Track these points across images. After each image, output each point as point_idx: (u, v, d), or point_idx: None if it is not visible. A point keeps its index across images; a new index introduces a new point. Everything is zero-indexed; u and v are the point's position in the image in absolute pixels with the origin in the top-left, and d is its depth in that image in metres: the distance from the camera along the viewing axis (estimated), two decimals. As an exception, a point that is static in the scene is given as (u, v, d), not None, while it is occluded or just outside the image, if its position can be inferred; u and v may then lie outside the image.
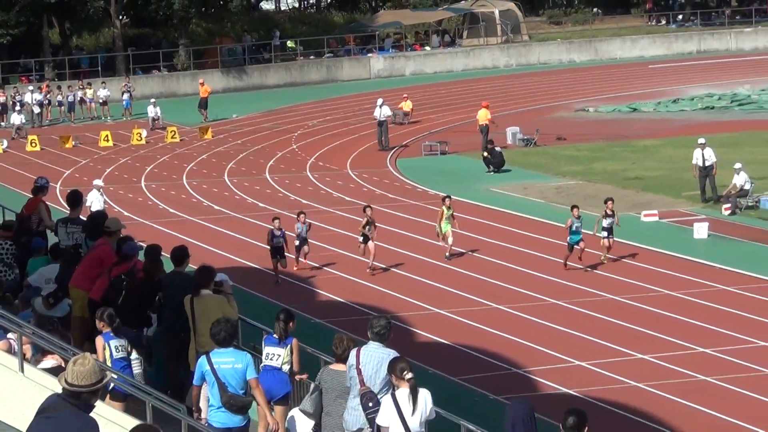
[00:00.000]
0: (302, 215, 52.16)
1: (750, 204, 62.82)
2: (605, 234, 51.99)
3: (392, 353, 22.69)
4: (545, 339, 43.44)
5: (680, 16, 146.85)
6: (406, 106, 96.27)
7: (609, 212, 51.88)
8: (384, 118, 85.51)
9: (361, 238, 51.16)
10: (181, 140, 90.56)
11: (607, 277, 51.30)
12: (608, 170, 74.36)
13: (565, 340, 43.67)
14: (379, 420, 21.24)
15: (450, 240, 53.01)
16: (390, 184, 73.82)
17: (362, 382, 22.22)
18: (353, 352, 22.68)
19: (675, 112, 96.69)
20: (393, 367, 21.31)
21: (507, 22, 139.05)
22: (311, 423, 23.13)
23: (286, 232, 51.12)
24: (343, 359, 22.95)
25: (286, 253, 50.71)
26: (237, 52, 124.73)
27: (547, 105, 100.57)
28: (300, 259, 52.37)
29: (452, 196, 54.93)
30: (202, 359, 23.44)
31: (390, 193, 70.85)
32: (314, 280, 51.36)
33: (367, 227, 50.48)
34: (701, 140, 66.16)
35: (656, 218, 61.62)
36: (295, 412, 23.81)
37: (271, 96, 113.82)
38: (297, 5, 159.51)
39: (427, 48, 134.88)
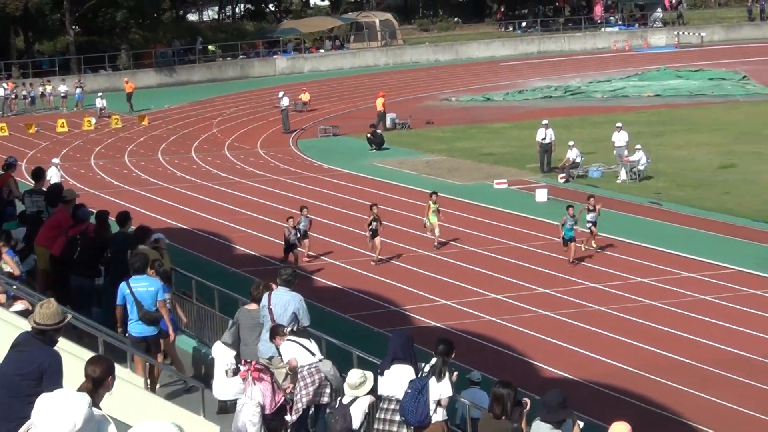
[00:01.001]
0: (305, 209, 47.11)
1: (580, 174, 63.29)
2: (589, 225, 47.15)
3: (296, 296, 22.79)
4: (418, 283, 43.59)
5: (524, 24, 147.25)
6: (305, 97, 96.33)
7: (591, 207, 47.22)
8: (285, 107, 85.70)
9: (369, 234, 46.20)
10: (123, 126, 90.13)
11: (464, 232, 51.37)
12: (467, 148, 74.52)
13: (433, 283, 43.83)
14: (284, 355, 21.52)
15: (437, 231, 48.38)
16: (292, 160, 73.77)
17: (273, 320, 22.29)
18: (265, 295, 22.74)
19: (520, 101, 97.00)
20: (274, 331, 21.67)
21: (385, 29, 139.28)
22: (232, 352, 23.13)
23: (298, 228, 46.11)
24: (257, 300, 22.98)
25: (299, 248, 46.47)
26: (168, 54, 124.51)
27: (418, 96, 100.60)
28: (301, 249, 46.95)
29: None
30: (123, 284, 23.85)
31: (292, 167, 70.81)
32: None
33: (374, 223, 45.69)
34: (545, 121, 66.53)
35: (506, 186, 61.86)
36: (217, 344, 23.79)
37: (196, 90, 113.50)
38: (216, 17, 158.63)
39: (322, 50, 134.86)
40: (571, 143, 64.17)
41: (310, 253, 47.63)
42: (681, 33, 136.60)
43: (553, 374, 33.86)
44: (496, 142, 75.81)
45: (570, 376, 33.74)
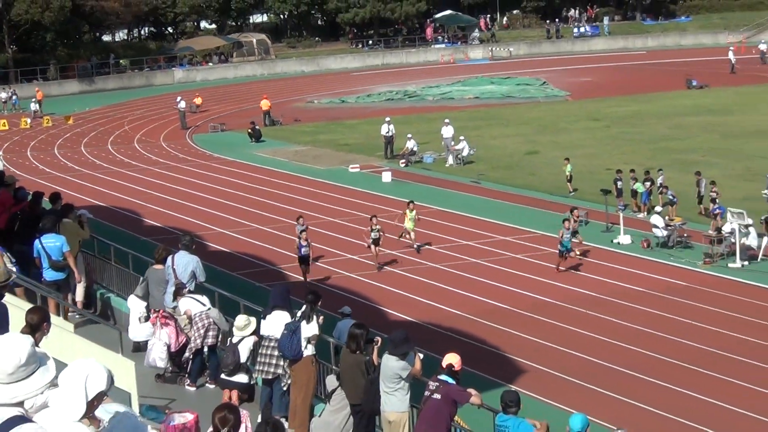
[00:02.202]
0: (300, 219, 41.18)
1: (417, 160, 63.58)
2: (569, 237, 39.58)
3: (194, 258, 22.69)
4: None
5: (371, 42, 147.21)
6: (198, 101, 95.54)
7: (575, 219, 41.53)
8: (182, 109, 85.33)
9: (371, 241, 40.05)
10: (53, 125, 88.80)
11: (326, 206, 51.49)
12: (328, 139, 74.51)
13: (339, 244, 43.89)
14: (181, 307, 21.47)
15: (413, 235, 42.59)
16: (188, 150, 73.27)
17: (176, 277, 22.17)
18: (170, 257, 22.61)
19: (368, 103, 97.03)
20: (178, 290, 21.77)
21: (261, 46, 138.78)
22: (143, 303, 22.99)
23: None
24: (161, 261, 22.83)
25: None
26: (87, 68, 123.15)
27: (288, 99, 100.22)
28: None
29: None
30: (36, 241, 24.45)
31: (188, 156, 70.39)
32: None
33: (377, 233, 39.84)
34: (387, 118, 67.08)
35: (358, 170, 61.90)
36: (131, 297, 23.63)
37: (111, 96, 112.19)
38: (126, 37, 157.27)
39: (211, 64, 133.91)
40: (409, 135, 64.66)
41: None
42: (494, 49, 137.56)
43: (399, 318, 33.99)
44: (350, 135, 75.82)
45: (413, 319, 33.92)
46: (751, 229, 40.13)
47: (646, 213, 46.66)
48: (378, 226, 40.11)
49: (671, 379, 28.55)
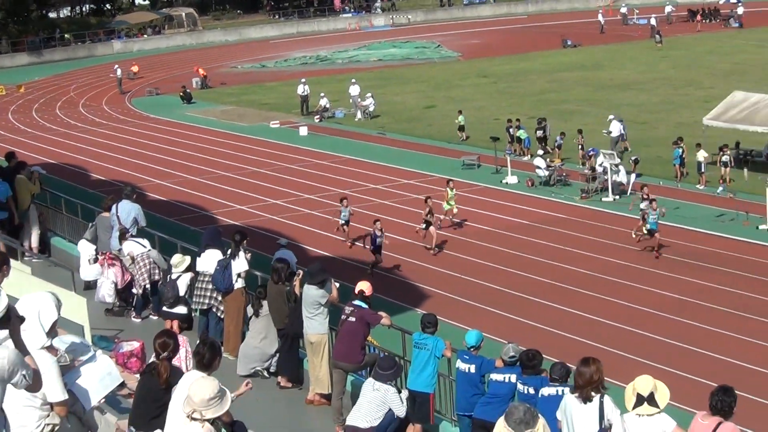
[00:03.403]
0: (345, 201, 35.68)
1: (329, 116, 63.42)
2: (642, 214, 33.62)
3: (136, 205, 22.59)
4: (221, 193, 43.40)
5: (287, 12, 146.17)
6: (135, 69, 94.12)
7: (645, 197, 34.24)
8: (120, 76, 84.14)
9: (423, 225, 34.22)
10: (6, 93, 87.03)
11: (250, 158, 51.31)
12: (251, 99, 74.06)
13: (231, 195, 43.76)
14: (125, 249, 21.37)
15: (455, 210, 36.55)
16: (128, 112, 72.43)
17: (120, 222, 22.03)
18: (114, 205, 22.46)
19: (285, 67, 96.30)
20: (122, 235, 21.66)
21: (189, 19, 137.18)
22: (92, 246, 22.82)
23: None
24: (107, 209, 22.67)
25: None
26: (36, 42, 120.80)
27: (215, 65, 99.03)
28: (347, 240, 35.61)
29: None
30: None
31: (129, 118, 69.59)
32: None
33: (430, 215, 34.12)
34: (303, 80, 67.19)
35: (279, 125, 61.67)
36: (81, 241, 23.45)
37: (58, 66, 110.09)
38: (69, 13, 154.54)
39: (145, 36, 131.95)
40: (322, 94, 64.48)
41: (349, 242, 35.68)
42: (394, 16, 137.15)
43: (316, 253, 34.02)
44: (270, 96, 75.37)
45: (330, 254, 34.01)
46: (620, 167, 40.59)
47: (529, 156, 47.02)
48: (431, 208, 34.14)
49: (556, 299, 28.92)
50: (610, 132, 47.35)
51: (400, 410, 14.88)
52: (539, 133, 48.09)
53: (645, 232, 33.14)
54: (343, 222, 35.27)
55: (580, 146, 45.64)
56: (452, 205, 36.44)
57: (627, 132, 48.19)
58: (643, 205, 33.78)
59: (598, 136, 47.40)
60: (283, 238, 29.55)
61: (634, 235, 33.56)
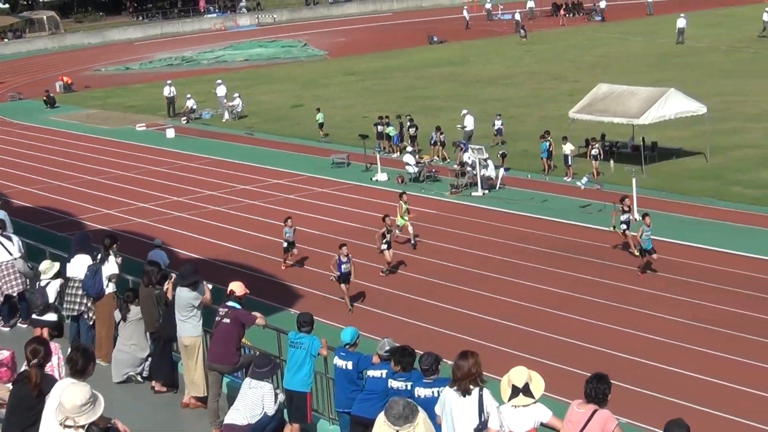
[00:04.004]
0: (289, 220, 32.49)
1: (196, 117, 63.03)
2: (624, 227, 31.47)
3: (2, 212, 22.14)
4: (88, 199, 42.78)
5: (150, 14, 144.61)
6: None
7: (626, 209, 31.66)
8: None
9: (384, 245, 30.90)
10: None
11: (116, 161, 50.71)
12: (116, 103, 73.17)
13: (95, 199, 43.19)
14: None
15: (410, 229, 33.62)
16: (-11, 118, 71.17)
17: None
18: None
19: (150, 68, 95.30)
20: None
21: (51, 22, 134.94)
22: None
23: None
24: None
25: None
26: None
27: (79, 68, 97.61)
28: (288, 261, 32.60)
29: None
30: None
31: (-11, 123, 68.40)
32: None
33: (388, 235, 31.03)
34: (169, 81, 67.03)
35: (145, 128, 61.09)
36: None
37: None
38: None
39: (6, 40, 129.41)
40: (188, 96, 64.22)
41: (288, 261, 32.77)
42: (260, 15, 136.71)
43: (187, 257, 33.75)
44: (135, 98, 74.54)
45: (201, 257, 33.75)
46: (489, 161, 41.04)
47: (399, 153, 47.26)
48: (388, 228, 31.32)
49: (430, 295, 29.14)
50: (465, 126, 47.94)
51: (271, 408, 14.88)
52: (412, 131, 48.33)
53: (636, 253, 30.18)
54: (287, 243, 32.21)
55: (440, 142, 46.42)
56: (406, 221, 33.60)
57: (504, 127, 48.81)
58: (624, 218, 31.30)
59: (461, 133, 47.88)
60: (158, 239, 29.46)
61: (637, 253, 30.21)
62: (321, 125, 53.75)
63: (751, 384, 21.82)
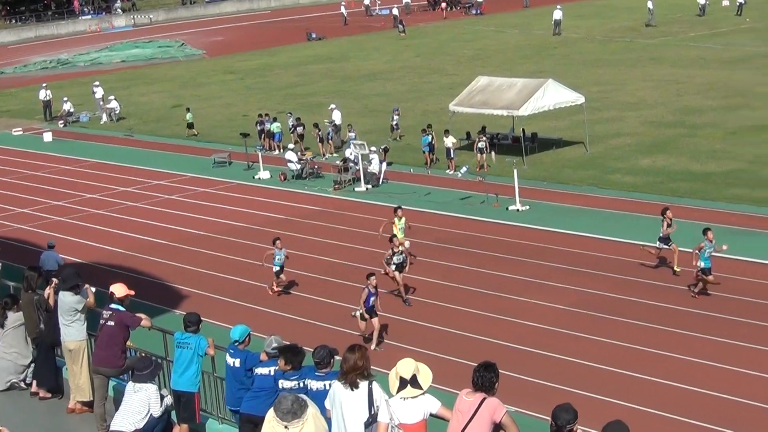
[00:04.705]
0: (278, 241, 28.80)
1: (74, 120, 62.26)
2: (662, 245, 27.86)
3: None
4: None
5: (23, 17, 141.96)
6: None
7: (669, 221, 27.65)
8: None
9: (393, 267, 27.17)
10: None
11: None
12: (-10, 108, 71.96)
13: (10, 200, 42.51)
14: None
15: (407, 244, 29.03)
16: None
17: None
18: None
19: (25, 72, 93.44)
20: None
21: None
22: None
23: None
24: None
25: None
26: None
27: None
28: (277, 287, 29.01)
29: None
30: None
31: None
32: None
33: (400, 257, 27.23)
34: (44, 84, 66.00)
35: (22, 132, 60.10)
36: None
37: None
38: None
39: None
40: (65, 98, 63.45)
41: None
42: (136, 16, 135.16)
43: (69, 260, 33.19)
44: (11, 102, 73.15)
45: (83, 261, 33.21)
46: (373, 157, 41.15)
47: (281, 150, 47.18)
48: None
49: (316, 292, 29.16)
50: (333, 121, 48.16)
51: (157, 410, 14.80)
52: (300, 129, 48.24)
53: (699, 270, 26.04)
54: (278, 268, 28.63)
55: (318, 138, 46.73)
56: (402, 236, 29.76)
57: (399, 121, 48.98)
58: (665, 232, 27.59)
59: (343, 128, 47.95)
60: (51, 240, 29.14)
61: (677, 270, 27.49)
62: (191, 125, 53.66)
63: (631, 368, 22.27)
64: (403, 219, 30.38)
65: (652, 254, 28.28)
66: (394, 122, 48.83)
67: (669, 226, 27.64)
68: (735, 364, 22.09)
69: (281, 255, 28.53)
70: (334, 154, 46.01)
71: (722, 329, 24.07)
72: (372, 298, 24.45)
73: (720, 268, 26.81)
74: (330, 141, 47.11)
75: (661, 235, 27.72)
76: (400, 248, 27.27)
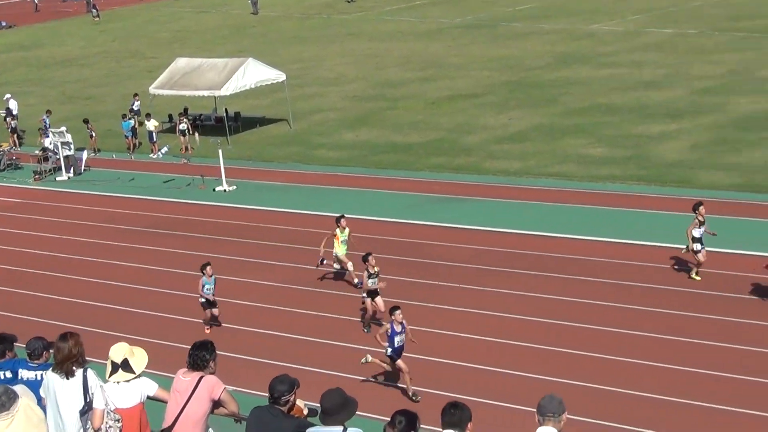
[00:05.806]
0: (208, 267, 23.69)
1: None
2: (698, 247, 24.41)
3: None
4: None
5: None
6: None
7: (701, 218, 24.46)
8: None
9: (365, 295, 22.73)
10: None
11: None
12: None
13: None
14: None
15: (350, 266, 25.26)
16: None
17: None
18: None
19: None
20: None
21: None
22: None
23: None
24: None
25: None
26: None
27: None
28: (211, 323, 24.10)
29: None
30: None
31: None
32: None
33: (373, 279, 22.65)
34: None
35: None
36: None
37: None
38: None
39: None
40: None
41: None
42: None
43: None
44: None
45: None
46: (71, 144, 40.29)
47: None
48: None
49: (27, 286, 28.34)
50: (11, 110, 47.23)
51: None
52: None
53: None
54: (206, 301, 23.91)
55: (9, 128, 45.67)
56: (344, 252, 25.63)
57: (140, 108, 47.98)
58: (698, 232, 24.47)
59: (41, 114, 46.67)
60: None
61: (696, 276, 24.72)
62: None
63: (326, 336, 22.71)
64: (347, 230, 25.67)
65: (696, 259, 24.57)
66: (136, 108, 46.65)
67: (702, 224, 24.46)
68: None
69: (211, 285, 23.70)
70: (18, 147, 44.77)
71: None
72: (397, 337, 19.65)
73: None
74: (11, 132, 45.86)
75: (697, 235, 24.43)
76: (376, 269, 22.80)
